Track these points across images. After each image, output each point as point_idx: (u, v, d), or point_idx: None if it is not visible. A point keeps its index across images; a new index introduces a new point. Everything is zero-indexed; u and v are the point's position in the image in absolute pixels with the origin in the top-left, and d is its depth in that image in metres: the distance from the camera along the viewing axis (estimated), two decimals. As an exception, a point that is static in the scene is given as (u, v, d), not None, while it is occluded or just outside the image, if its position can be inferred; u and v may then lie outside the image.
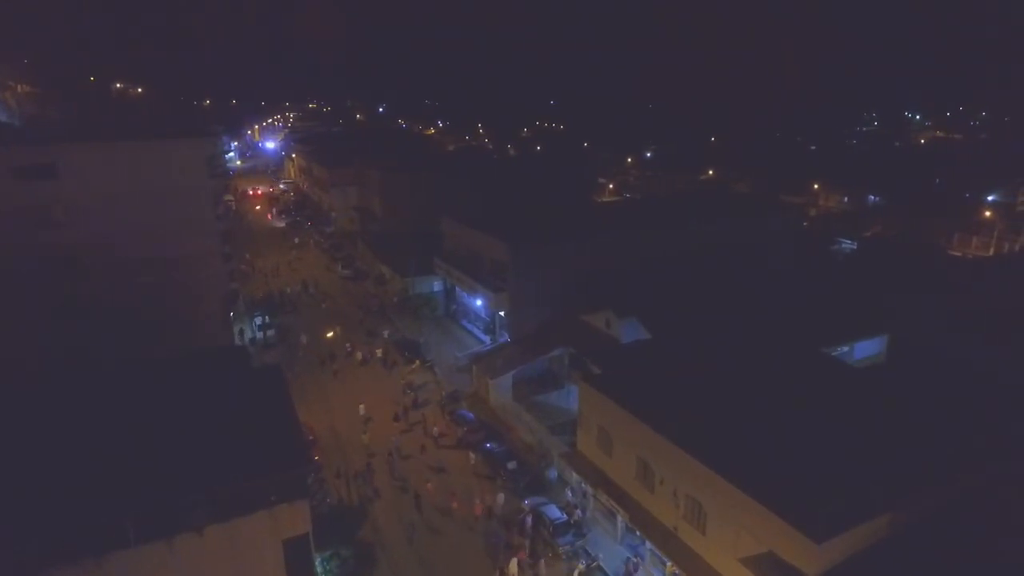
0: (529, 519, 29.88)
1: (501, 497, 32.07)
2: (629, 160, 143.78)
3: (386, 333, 51.97)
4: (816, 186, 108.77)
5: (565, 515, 30.11)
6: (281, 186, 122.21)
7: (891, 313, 42.75)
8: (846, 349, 39.64)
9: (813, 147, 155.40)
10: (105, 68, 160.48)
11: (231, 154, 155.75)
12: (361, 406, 39.87)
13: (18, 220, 35.79)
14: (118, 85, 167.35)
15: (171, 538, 18.82)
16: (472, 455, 35.61)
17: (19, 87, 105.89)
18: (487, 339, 49.56)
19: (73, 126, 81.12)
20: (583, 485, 31.25)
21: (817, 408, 27.08)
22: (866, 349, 40.78)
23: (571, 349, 41.15)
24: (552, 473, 33.58)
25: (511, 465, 34.07)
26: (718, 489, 22.95)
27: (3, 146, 37.32)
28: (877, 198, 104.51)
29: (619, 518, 28.65)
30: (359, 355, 47.45)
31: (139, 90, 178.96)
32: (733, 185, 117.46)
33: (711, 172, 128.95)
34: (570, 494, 32.03)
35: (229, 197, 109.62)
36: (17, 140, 42.40)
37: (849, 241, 78.42)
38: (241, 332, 50.23)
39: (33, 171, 35.65)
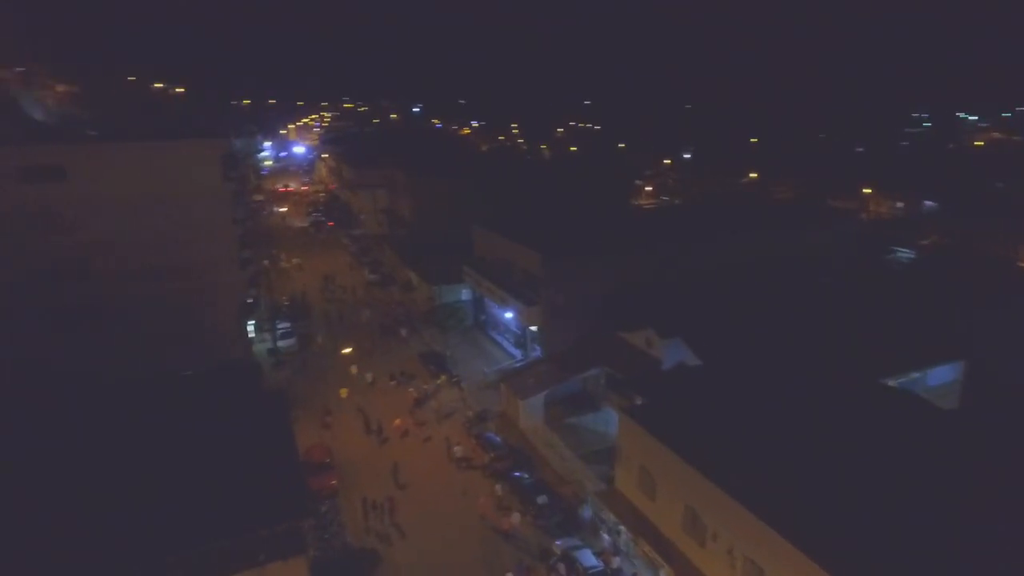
0: (561, 565, 26.81)
1: (516, 516, 29.77)
2: (667, 162, 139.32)
3: (404, 331, 50.60)
4: (867, 190, 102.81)
5: (601, 563, 26.92)
6: (305, 185, 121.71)
7: (964, 334, 38.30)
8: (917, 375, 35.48)
9: (860, 149, 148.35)
10: (145, 68, 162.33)
11: (265, 153, 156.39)
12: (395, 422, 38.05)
13: (26, 223, 34.28)
14: (158, 85, 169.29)
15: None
16: (498, 485, 32.59)
17: (58, 87, 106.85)
18: (518, 353, 46.56)
19: (101, 126, 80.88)
20: (621, 529, 28.00)
21: (896, 456, 23.34)
22: (939, 376, 36.51)
23: (608, 369, 37.88)
24: (586, 512, 30.36)
25: (541, 499, 30.95)
26: (784, 556, 19.48)
27: (11, 146, 35.68)
28: (933, 203, 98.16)
29: (662, 573, 25.33)
30: (369, 376, 43.97)
31: (179, 90, 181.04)
32: (775, 188, 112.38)
33: (753, 175, 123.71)
34: (607, 538, 28.79)
35: (259, 196, 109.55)
36: (28, 140, 40.87)
37: (906, 250, 73.23)
38: (263, 339, 48.24)
39: (41, 172, 33.96)
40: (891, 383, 32.38)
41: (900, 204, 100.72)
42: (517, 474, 33.10)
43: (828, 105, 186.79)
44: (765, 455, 23.48)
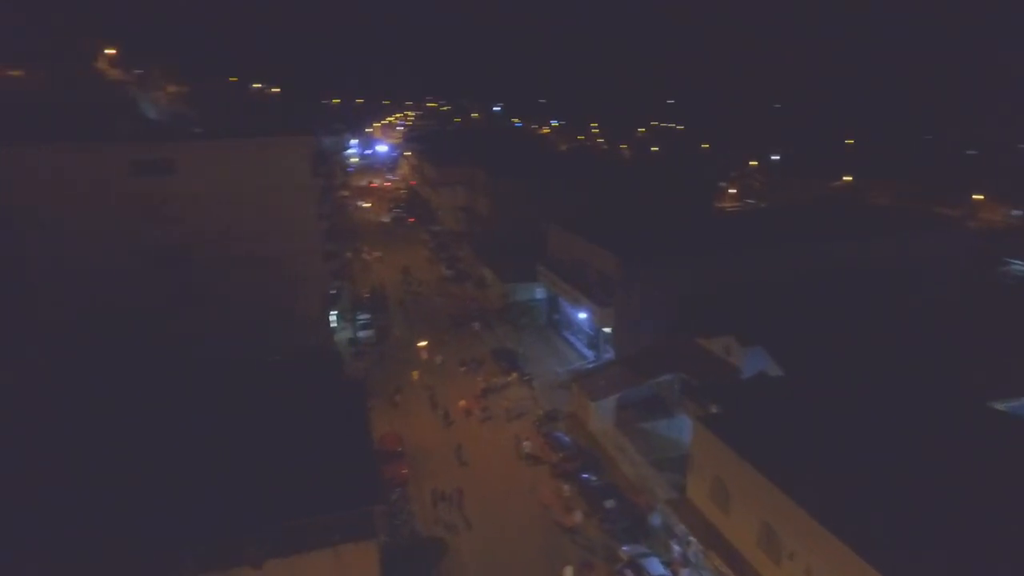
0: (628, 572, 26.35)
1: (579, 514, 29.77)
2: (754, 163, 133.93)
3: (476, 325, 52.02)
4: (977, 197, 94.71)
5: (669, 572, 26.28)
6: (388, 181, 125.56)
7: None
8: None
9: (972, 152, 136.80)
10: (246, 69, 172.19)
11: (351, 151, 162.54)
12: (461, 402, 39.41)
13: (139, 213, 37.12)
14: (256, 85, 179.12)
15: (228, 571, 17.36)
16: (566, 486, 32.40)
17: (169, 88, 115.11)
18: (590, 355, 46.13)
19: (204, 124, 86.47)
20: (691, 540, 27.18)
21: (1000, 485, 21.37)
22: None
23: (683, 375, 36.84)
24: (655, 519, 29.68)
25: (609, 503, 30.54)
26: (870, 584, 18.28)
27: (126, 142, 38.76)
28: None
29: (734, 589, 24.37)
30: (439, 359, 46.59)
31: (275, 90, 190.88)
32: (872, 193, 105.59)
33: (847, 178, 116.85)
34: (676, 548, 28.02)
35: (345, 192, 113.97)
36: (142, 136, 44.20)
37: (1021, 263, 67.12)
38: (344, 329, 50.21)
39: (152, 166, 36.67)
40: (1000, 407, 29.72)
41: (1017, 212, 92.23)
42: (585, 476, 32.81)
43: (940, 105, 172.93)
44: (851, 475, 22.12)
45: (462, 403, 40.26)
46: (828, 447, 23.78)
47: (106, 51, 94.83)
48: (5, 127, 48.47)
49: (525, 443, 35.83)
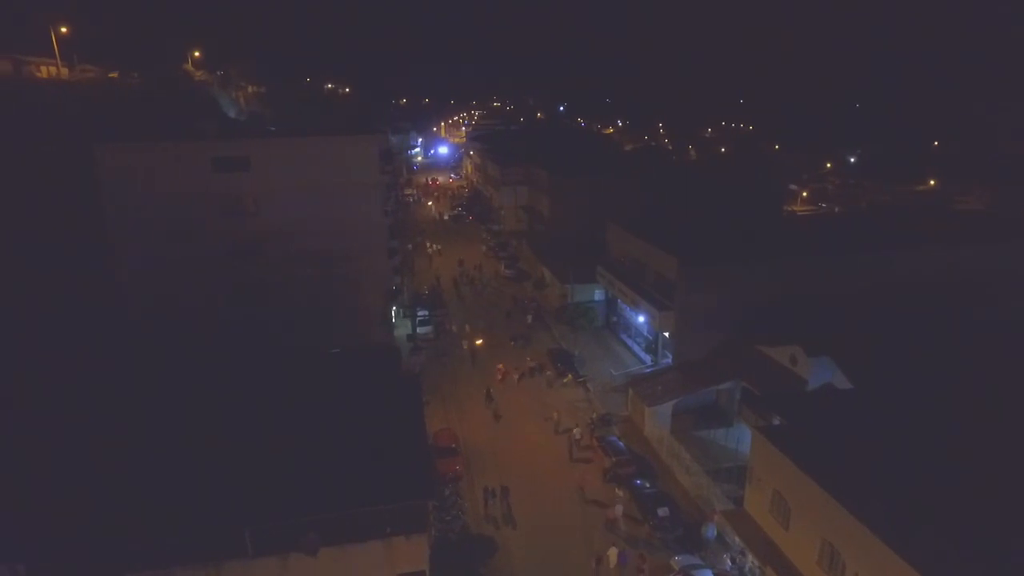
0: (678, 582, 25.78)
1: (619, 508, 29.91)
2: (828, 165, 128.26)
3: (529, 318, 53.67)
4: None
5: (723, 586, 25.53)
6: (452, 177, 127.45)
7: None
8: None
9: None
10: (320, 70, 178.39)
11: (417, 149, 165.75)
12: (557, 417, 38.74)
13: (219, 208, 39.20)
14: (329, 86, 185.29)
15: (286, 556, 18.07)
16: (619, 491, 31.99)
17: (249, 88, 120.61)
18: (648, 359, 45.35)
19: (278, 122, 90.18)
20: (747, 553, 26.32)
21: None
22: None
23: (744, 383, 35.71)
24: (711, 531, 28.86)
25: (662, 511, 29.90)
26: (941, 615, 17.19)
27: (207, 140, 40.92)
28: None
29: (792, 608, 23.44)
30: (479, 341, 48.37)
31: (347, 90, 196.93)
32: (959, 198, 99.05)
33: (932, 182, 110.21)
34: (730, 562, 27.20)
35: (410, 190, 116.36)
36: (222, 134, 46.53)
37: None
38: (403, 325, 51.31)
39: (230, 163, 38.58)
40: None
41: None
42: (639, 482, 32.28)
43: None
44: (921, 496, 20.84)
45: (500, 366, 43.38)
46: (898, 466, 22.50)
47: (194, 53, 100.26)
48: (100, 127, 52.10)
49: (575, 429, 36.31)
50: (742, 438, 33.65)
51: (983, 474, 21.89)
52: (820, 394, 31.22)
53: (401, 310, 52.40)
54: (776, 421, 29.39)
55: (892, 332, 34.24)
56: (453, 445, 34.83)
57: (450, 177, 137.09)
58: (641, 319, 45.11)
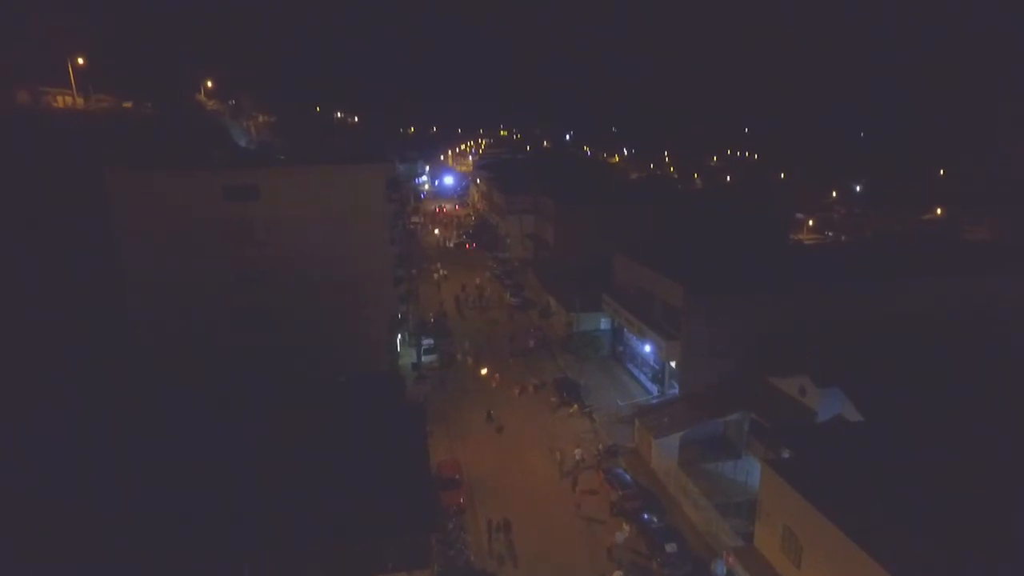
0: (687, 622, 25.07)
1: (620, 536, 29.62)
2: (834, 194, 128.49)
3: (532, 343, 53.75)
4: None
5: (732, 626, 24.79)
6: (458, 208, 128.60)
7: None
8: None
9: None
10: (329, 99, 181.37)
11: (423, 177, 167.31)
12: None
13: (229, 235, 39.48)
14: (338, 114, 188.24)
15: (285, 591, 17.72)
16: (625, 526, 31.32)
17: (260, 117, 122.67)
18: (654, 389, 44.87)
19: (290, 151, 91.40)
20: (758, 593, 25.58)
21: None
22: None
23: (753, 415, 35.17)
24: (719, 568, 28.15)
25: (670, 547, 29.22)
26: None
27: (218, 168, 41.40)
28: None
29: (805, 651, 22.71)
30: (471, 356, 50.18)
31: (355, 119, 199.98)
32: (968, 228, 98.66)
33: (939, 211, 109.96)
34: (740, 601, 26.45)
35: (416, 218, 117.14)
36: (232, 163, 47.13)
37: None
38: (408, 353, 51.06)
39: (240, 192, 38.95)
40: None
41: None
42: (646, 516, 31.63)
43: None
44: (937, 533, 20.29)
45: (496, 376, 45.35)
46: (912, 502, 21.96)
47: (207, 83, 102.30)
48: (115, 153, 52.92)
49: (576, 450, 36.42)
50: (751, 471, 33.01)
51: (1001, 509, 21.33)
52: (830, 426, 30.71)
53: (406, 338, 52.23)
54: (786, 454, 28.88)
55: (902, 363, 33.80)
56: (456, 476, 34.29)
57: (457, 206, 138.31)
58: (647, 348, 44.76)
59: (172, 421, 25.21)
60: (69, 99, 71.78)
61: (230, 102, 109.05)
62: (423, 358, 49.96)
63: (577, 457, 36.18)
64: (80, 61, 70.75)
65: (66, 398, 28.10)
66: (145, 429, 24.53)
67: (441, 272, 77.15)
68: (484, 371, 48.15)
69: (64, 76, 69.89)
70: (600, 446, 38.62)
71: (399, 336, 49.32)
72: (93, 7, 79.79)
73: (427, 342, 52.06)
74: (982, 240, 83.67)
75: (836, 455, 26.17)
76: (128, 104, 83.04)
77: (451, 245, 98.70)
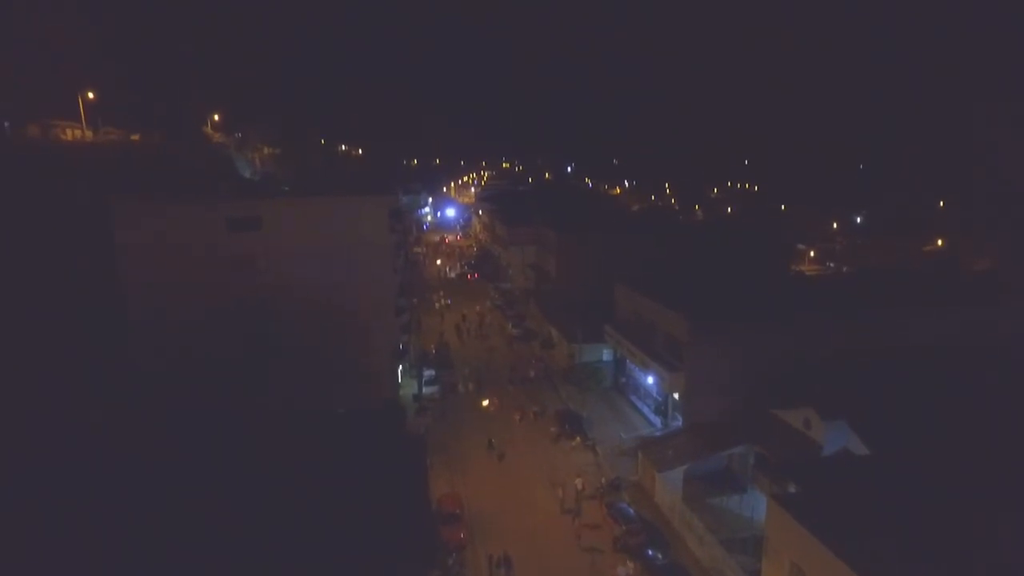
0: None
1: (623, 572, 29.29)
2: (835, 225, 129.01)
3: (532, 372, 54.15)
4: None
5: (740, 668, 24.04)
6: (460, 239, 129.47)
7: None
8: None
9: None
10: (333, 131, 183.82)
11: (426, 209, 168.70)
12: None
13: (231, 266, 39.65)
14: (342, 147, 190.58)
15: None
16: (629, 562, 30.66)
17: (265, 149, 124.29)
18: (658, 421, 44.43)
19: (294, 182, 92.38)
20: (766, 633, 24.91)
21: None
22: None
23: (757, 448, 34.73)
24: (726, 606, 27.50)
25: (675, 585, 28.62)
26: None
27: (223, 200, 41.81)
28: None
29: None
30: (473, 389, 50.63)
31: (359, 151, 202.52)
32: (970, 259, 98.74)
33: (940, 242, 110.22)
34: (748, 641, 25.74)
35: (419, 249, 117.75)
36: (236, 195, 47.62)
37: None
38: (409, 384, 50.73)
39: (243, 222, 39.26)
40: None
41: None
42: (650, 553, 31.00)
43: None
44: (948, 568, 19.81)
45: (495, 400, 45.98)
46: (921, 536, 21.51)
47: (213, 116, 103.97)
48: (122, 184, 53.60)
49: (577, 480, 36.09)
50: (757, 506, 32.48)
51: (1011, 542, 20.85)
52: (836, 460, 30.31)
53: (408, 368, 51.95)
54: (792, 488, 28.41)
55: (908, 394, 33.45)
56: (457, 511, 33.69)
57: (459, 236, 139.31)
58: (650, 380, 44.44)
59: (164, 451, 24.91)
60: (78, 132, 72.97)
61: (236, 135, 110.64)
62: (424, 389, 49.61)
63: (578, 487, 35.72)
64: (90, 95, 72.08)
65: (62, 424, 27.90)
66: (135, 461, 24.22)
67: (444, 301, 77.37)
68: (485, 403, 47.75)
69: (74, 110, 71.18)
70: (603, 479, 38.07)
71: (400, 366, 49.07)
72: (105, 42, 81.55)
73: (428, 373, 51.76)
74: (982, 270, 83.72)
75: (843, 489, 25.74)
76: (136, 137, 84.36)
77: (453, 275, 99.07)
